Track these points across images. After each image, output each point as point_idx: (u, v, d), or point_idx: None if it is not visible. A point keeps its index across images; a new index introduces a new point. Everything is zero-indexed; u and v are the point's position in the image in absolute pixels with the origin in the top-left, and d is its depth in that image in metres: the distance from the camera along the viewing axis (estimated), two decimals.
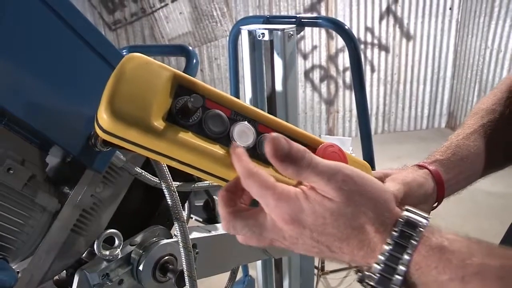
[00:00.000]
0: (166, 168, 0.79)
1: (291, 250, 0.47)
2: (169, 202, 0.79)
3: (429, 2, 5.09)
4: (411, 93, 5.49)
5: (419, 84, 5.45)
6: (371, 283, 0.42)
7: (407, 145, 5.03)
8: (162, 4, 4.74)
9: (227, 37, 1.88)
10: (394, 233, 0.42)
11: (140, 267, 0.79)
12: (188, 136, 0.45)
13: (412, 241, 0.41)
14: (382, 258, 0.41)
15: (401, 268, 0.40)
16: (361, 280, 0.44)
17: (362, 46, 5.18)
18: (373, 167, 0.90)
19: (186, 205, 0.97)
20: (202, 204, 1.07)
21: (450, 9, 5.13)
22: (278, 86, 1.48)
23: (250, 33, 1.46)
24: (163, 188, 0.79)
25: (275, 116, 0.51)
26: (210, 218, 1.07)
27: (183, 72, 0.48)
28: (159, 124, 0.43)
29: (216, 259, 0.95)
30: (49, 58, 0.64)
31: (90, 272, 0.74)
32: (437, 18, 5.16)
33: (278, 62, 1.44)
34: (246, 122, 0.48)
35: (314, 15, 4.93)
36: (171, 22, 4.82)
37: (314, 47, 5.15)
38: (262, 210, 0.45)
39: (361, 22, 5.13)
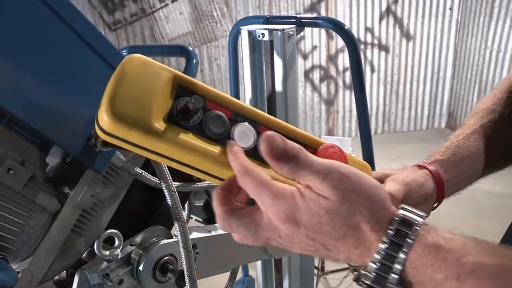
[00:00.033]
0: (166, 168, 0.79)
1: (287, 248, 0.47)
2: (169, 202, 0.79)
3: (429, 2, 5.09)
4: (411, 93, 5.49)
5: (419, 84, 5.45)
6: (367, 282, 0.42)
7: (407, 145, 5.03)
8: (162, 4, 4.74)
9: (227, 37, 1.88)
10: (389, 231, 0.42)
11: (140, 267, 0.79)
12: (188, 137, 0.45)
13: (408, 240, 0.41)
14: (378, 256, 0.41)
15: (397, 266, 0.40)
16: (357, 279, 0.45)
17: (362, 46, 5.19)
18: (373, 167, 0.90)
19: (186, 205, 0.97)
20: (202, 204, 1.07)
21: (450, 9, 5.13)
22: (278, 86, 1.48)
23: (250, 33, 1.46)
24: (163, 188, 0.79)
25: (275, 116, 0.51)
26: (210, 218, 1.07)
27: (183, 72, 0.48)
28: (159, 125, 0.43)
29: (216, 259, 0.95)
30: (49, 58, 0.64)
31: (90, 272, 0.74)
32: (437, 18, 5.16)
33: (278, 62, 1.44)
34: (246, 123, 0.48)
35: (314, 15, 4.93)
36: (171, 22, 4.82)
37: (314, 47, 5.15)
38: (258, 209, 0.45)
39: (361, 22, 5.13)
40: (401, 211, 0.43)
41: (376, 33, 5.20)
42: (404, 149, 4.88)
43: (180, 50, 1.14)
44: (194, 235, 0.89)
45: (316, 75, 5.28)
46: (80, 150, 0.68)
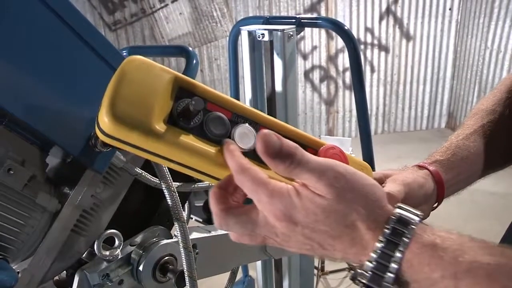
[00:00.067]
0: (166, 168, 0.79)
1: (284, 247, 0.47)
2: (169, 203, 0.80)
3: (429, 3, 5.09)
4: (411, 93, 5.49)
5: (419, 85, 5.45)
6: (364, 281, 0.42)
7: (407, 146, 5.03)
8: (162, 5, 4.74)
9: (227, 38, 1.88)
10: (386, 230, 0.41)
11: (140, 267, 0.79)
12: (189, 139, 0.45)
13: (404, 239, 0.41)
14: (374, 255, 0.41)
15: (393, 265, 0.40)
16: (353, 278, 0.45)
17: (362, 47, 5.19)
18: (373, 168, 0.90)
19: (186, 205, 0.97)
20: (202, 204, 1.07)
21: (450, 9, 5.13)
22: (278, 87, 1.48)
23: (250, 33, 1.46)
24: (163, 188, 0.79)
25: (275, 116, 0.51)
26: (210, 218, 1.07)
27: (183, 72, 0.48)
28: (160, 127, 0.43)
29: (216, 259, 0.96)
30: (49, 59, 0.64)
31: (90, 273, 0.74)
32: (437, 19, 5.16)
33: (278, 63, 1.44)
34: (247, 124, 0.48)
35: (314, 15, 4.93)
36: (171, 23, 4.82)
37: (314, 48, 5.15)
38: (254, 207, 0.45)
39: (361, 23, 5.13)
40: (398, 210, 0.43)
41: (376, 33, 5.20)
42: (404, 149, 4.88)
43: (180, 51, 1.14)
44: (194, 235, 0.90)
45: (316, 75, 5.28)
46: (80, 150, 0.68)
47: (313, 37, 5.10)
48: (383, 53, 5.29)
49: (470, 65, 5.04)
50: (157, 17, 4.77)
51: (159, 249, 0.81)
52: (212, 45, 4.97)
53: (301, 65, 5.14)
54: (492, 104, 0.78)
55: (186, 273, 0.79)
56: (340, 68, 5.28)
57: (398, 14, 5.14)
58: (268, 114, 0.52)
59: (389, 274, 0.41)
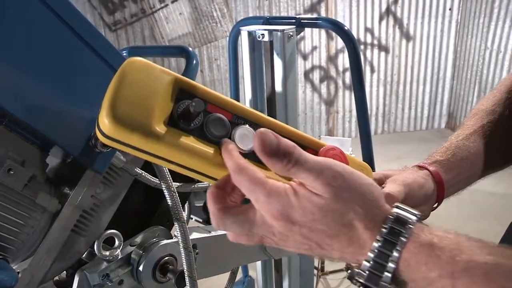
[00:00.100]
0: (166, 169, 0.79)
1: (281, 247, 0.47)
2: (169, 203, 0.80)
3: (428, 3, 5.09)
4: (411, 93, 5.49)
5: (419, 85, 5.45)
6: (361, 280, 0.42)
7: (407, 146, 5.04)
8: (162, 5, 4.74)
9: (227, 38, 1.88)
10: (383, 229, 0.41)
11: (140, 268, 0.79)
12: (189, 141, 0.45)
13: (402, 238, 0.41)
14: (371, 255, 0.41)
15: (391, 265, 0.40)
16: (351, 278, 0.45)
17: (362, 47, 5.19)
18: (372, 168, 0.90)
19: (186, 205, 0.97)
20: (202, 204, 1.07)
21: (450, 9, 5.13)
22: (278, 87, 1.48)
23: (250, 34, 1.46)
24: (163, 188, 0.79)
25: (275, 116, 0.51)
26: (210, 218, 1.07)
27: (183, 73, 0.48)
28: (160, 128, 0.43)
29: (216, 260, 0.96)
30: (49, 59, 0.64)
31: (90, 273, 0.74)
32: (437, 19, 5.16)
33: (277, 63, 1.44)
34: (247, 126, 0.48)
35: (314, 16, 4.93)
36: (171, 23, 4.82)
37: (314, 48, 5.15)
38: (252, 207, 0.45)
39: (361, 23, 5.14)
40: (395, 210, 0.43)
41: (376, 33, 5.20)
42: (404, 150, 4.88)
43: (180, 51, 1.14)
44: (194, 235, 0.90)
45: (316, 76, 5.28)
46: (80, 151, 0.68)
47: (313, 37, 5.10)
48: (383, 53, 5.30)
49: (470, 65, 5.04)
50: (157, 17, 4.77)
51: (159, 249, 0.81)
52: (212, 45, 4.97)
53: (301, 65, 5.14)
54: (492, 105, 0.78)
55: (186, 273, 0.79)
56: (340, 68, 5.28)
57: (398, 14, 5.14)
58: (268, 114, 0.52)
59: (386, 273, 0.41)
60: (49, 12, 0.62)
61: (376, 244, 0.41)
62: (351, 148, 2.57)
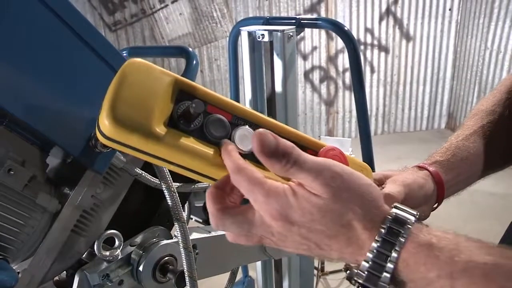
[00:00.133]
0: (167, 169, 0.79)
1: (280, 247, 0.47)
2: (169, 203, 0.80)
3: (428, 3, 5.09)
4: (411, 94, 5.49)
5: (418, 85, 5.45)
6: (360, 281, 0.42)
7: (407, 146, 5.04)
8: (162, 5, 4.74)
9: (227, 38, 1.88)
10: (382, 230, 0.42)
11: (140, 268, 0.79)
12: (189, 141, 0.45)
13: (400, 238, 0.41)
14: (370, 255, 0.41)
15: (389, 265, 0.41)
16: (349, 278, 0.45)
17: (362, 47, 5.19)
18: (372, 168, 0.90)
19: (186, 206, 0.98)
20: (202, 205, 1.07)
21: (449, 10, 5.14)
22: (278, 87, 1.48)
23: (250, 34, 1.46)
24: (163, 189, 0.79)
25: (275, 117, 0.52)
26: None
27: (183, 73, 0.48)
28: (160, 129, 0.44)
29: (216, 260, 0.96)
30: (49, 59, 0.64)
31: (90, 273, 0.74)
32: (437, 19, 5.16)
33: (277, 63, 1.44)
34: (247, 127, 0.48)
35: (314, 16, 4.93)
36: (171, 23, 4.82)
37: (314, 48, 5.15)
38: (251, 207, 0.45)
39: (361, 23, 5.14)
40: (394, 210, 0.43)
41: (376, 33, 5.20)
42: (404, 150, 4.88)
43: (180, 51, 1.14)
44: (194, 235, 0.90)
45: (316, 76, 5.28)
46: (80, 151, 0.68)
47: (313, 37, 5.11)
48: (383, 54, 5.30)
49: (470, 65, 5.04)
50: (157, 17, 4.77)
51: (159, 249, 0.81)
52: (212, 45, 4.97)
53: (301, 65, 5.14)
54: (492, 105, 0.78)
55: (186, 273, 0.79)
56: (340, 69, 5.28)
57: (398, 14, 5.14)
58: (268, 114, 0.52)
59: (385, 273, 0.41)
60: (49, 12, 0.62)
61: (375, 245, 0.41)
62: (351, 148, 2.57)
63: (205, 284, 0.98)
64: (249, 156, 0.47)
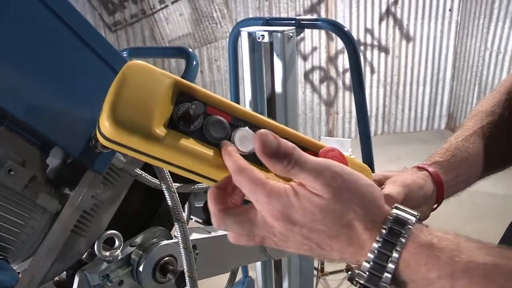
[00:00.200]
0: (167, 170, 0.79)
1: (282, 247, 0.47)
2: (169, 203, 0.80)
3: (428, 4, 5.10)
4: (410, 94, 5.49)
5: (418, 86, 5.46)
6: (361, 281, 0.42)
7: (406, 147, 5.04)
8: (162, 6, 4.74)
9: (227, 39, 1.88)
10: (383, 230, 0.42)
11: (140, 268, 0.79)
12: (189, 143, 0.45)
13: (401, 239, 0.41)
14: (371, 256, 0.41)
15: (390, 265, 0.41)
16: (351, 279, 0.45)
17: (362, 48, 5.19)
18: (372, 169, 0.90)
19: (186, 206, 0.98)
20: (202, 205, 1.07)
21: (449, 10, 5.14)
22: (278, 88, 1.48)
23: (250, 35, 1.47)
24: (164, 189, 0.79)
25: (275, 117, 0.52)
26: (210, 219, 1.07)
27: (183, 74, 0.48)
28: (160, 131, 0.44)
29: (216, 260, 0.96)
30: (49, 59, 0.64)
31: (90, 273, 0.74)
32: (437, 20, 5.17)
33: (277, 64, 1.44)
34: (247, 128, 0.49)
35: (314, 17, 4.94)
36: (171, 24, 4.82)
37: (314, 49, 5.15)
38: (252, 207, 0.45)
39: (361, 24, 5.14)
40: (395, 210, 0.43)
41: (376, 34, 5.21)
42: (404, 151, 4.88)
43: (180, 52, 1.14)
44: (194, 236, 0.90)
45: (316, 76, 5.29)
46: (81, 151, 0.68)
47: (313, 38, 5.11)
48: (383, 54, 5.30)
49: (470, 66, 5.04)
50: (157, 18, 4.78)
51: (159, 249, 0.81)
52: (212, 46, 4.97)
53: (301, 66, 5.14)
54: (492, 106, 0.78)
55: (186, 273, 0.79)
56: (340, 69, 5.28)
57: (398, 15, 5.14)
58: (268, 115, 0.52)
59: (386, 274, 0.41)
60: (49, 13, 0.62)
61: (375, 245, 0.41)
62: (351, 149, 2.57)
63: (205, 285, 0.98)
64: (248, 157, 0.47)
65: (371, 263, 0.41)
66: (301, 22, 1.48)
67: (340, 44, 5.04)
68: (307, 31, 5.00)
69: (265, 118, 0.51)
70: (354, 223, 0.42)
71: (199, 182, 0.90)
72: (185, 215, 0.88)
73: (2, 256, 0.66)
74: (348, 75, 5.22)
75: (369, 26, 5.16)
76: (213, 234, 0.93)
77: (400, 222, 0.42)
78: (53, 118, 0.65)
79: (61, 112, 0.66)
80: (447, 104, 5.55)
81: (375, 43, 5.24)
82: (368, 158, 1.51)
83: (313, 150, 0.51)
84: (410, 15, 5.14)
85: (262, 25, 1.54)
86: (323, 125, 5.50)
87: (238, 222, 0.46)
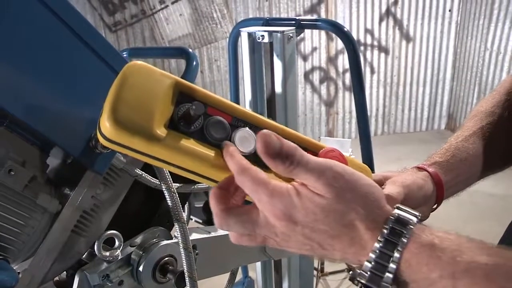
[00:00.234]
0: (166, 170, 0.79)
1: (284, 247, 0.47)
2: (169, 204, 0.80)
3: (428, 4, 5.10)
4: (410, 94, 5.49)
5: (418, 86, 5.46)
6: (363, 281, 0.42)
7: (406, 147, 5.04)
8: (162, 6, 4.74)
9: (227, 39, 1.89)
10: (384, 230, 0.42)
11: (140, 268, 0.79)
12: (190, 143, 0.45)
13: (403, 239, 0.41)
14: (373, 255, 0.42)
15: (392, 265, 0.41)
16: (352, 278, 0.45)
17: (362, 48, 5.19)
18: (372, 169, 0.90)
19: (186, 206, 0.98)
20: (202, 205, 1.07)
21: (449, 11, 5.14)
22: (278, 88, 1.48)
23: (250, 35, 1.47)
24: (163, 189, 0.79)
25: (275, 117, 0.52)
26: (210, 219, 1.07)
27: (183, 74, 0.49)
28: (161, 131, 0.44)
29: (216, 260, 0.96)
30: (49, 60, 0.64)
31: (90, 273, 0.74)
32: (437, 20, 5.17)
33: (277, 64, 1.44)
34: (247, 128, 0.49)
35: (314, 17, 4.94)
36: (171, 24, 4.82)
37: (314, 49, 5.15)
38: (255, 207, 0.45)
39: (361, 24, 5.14)
40: (396, 211, 0.44)
41: (376, 34, 5.21)
42: (403, 151, 4.89)
43: (180, 52, 1.14)
44: (194, 236, 0.90)
45: (316, 77, 5.29)
46: (81, 152, 0.68)
47: (313, 38, 5.11)
48: (383, 55, 5.30)
49: (470, 66, 5.04)
50: (157, 18, 4.78)
51: (159, 249, 0.81)
52: (212, 46, 4.97)
53: (301, 66, 5.14)
54: (491, 106, 0.78)
55: (186, 273, 0.79)
56: (340, 69, 5.28)
57: (398, 15, 5.14)
58: (268, 115, 0.52)
59: (387, 274, 0.41)
60: (49, 13, 0.62)
61: (377, 245, 0.41)
62: (351, 149, 2.57)
63: (205, 285, 0.98)
64: (249, 157, 0.47)
65: (372, 263, 0.42)
66: (301, 22, 1.48)
67: (340, 44, 5.03)
68: (307, 32, 5.00)
69: (265, 118, 0.52)
70: (356, 223, 0.43)
71: (199, 182, 0.90)
72: (185, 215, 0.88)
73: (2, 256, 0.66)
74: (348, 76, 5.22)
75: (369, 26, 5.16)
76: (213, 234, 0.93)
77: (402, 222, 0.42)
78: (53, 118, 0.65)
79: (61, 112, 0.66)
80: (447, 104, 5.56)
81: (375, 43, 5.24)
82: (368, 159, 1.51)
83: (313, 150, 0.51)
84: (410, 15, 5.14)
85: (262, 25, 1.54)
86: (323, 126, 5.50)
87: (240, 222, 0.46)
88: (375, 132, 5.54)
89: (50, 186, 0.70)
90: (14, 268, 0.69)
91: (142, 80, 0.45)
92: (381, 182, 0.63)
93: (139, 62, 0.47)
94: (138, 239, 0.82)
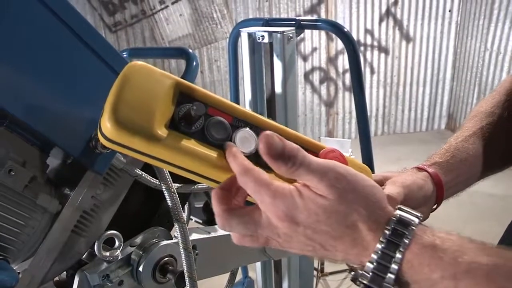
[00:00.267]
0: (166, 170, 0.79)
1: (286, 248, 0.47)
2: (169, 204, 0.80)
3: (428, 4, 5.10)
4: (410, 95, 5.49)
5: (418, 86, 5.46)
6: (364, 282, 0.42)
7: (406, 147, 5.04)
8: (162, 6, 4.74)
9: (227, 39, 1.89)
10: (386, 231, 0.42)
11: (140, 268, 0.79)
12: (191, 144, 0.45)
13: (405, 240, 0.41)
14: (375, 256, 0.42)
15: (394, 266, 0.41)
16: (354, 279, 0.45)
17: (362, 48, 5.19)
18: (372, 169, 0.90)
19: (186, 206, 0.98)
20: (202, 205, 1.07)
21: (449, 11, 5.14)
22: (278, 88, 1.48)
23: (250, 35, 1.47)
24: (163, 189, 0.79)
25: (275, 117, 0.52)
26: (210, 219, 1.07)
27: (183, 74, 0.49)
28: (162, 132, 0.44)
29: (215, 260, 0.96)
30: (49, 60, 0.64)
31: (90, 273, 0.74)
32: (437, 20, 5.17)
33: (277, 65, 1.44)
34: (247, 129, 0.49)
35: (314, 17, 4.94)
36: (171, 24, 4.82)
37: (314, 49, 5.16)
38: (257, 208, 0.45)
39: (361, 24, 5.14)
40: (398, 211, 0.44)
41: (376, 35, 5.21)
42: (403, 151, 4.89)
43: (180, 52, 1.14)
44: (194, 236, 0.90)
45: (316, 77, 5.29)
46: (81, 152, 0.68)
47: (313, 38, 5.11)
48: (383, 55, 5.30)
49: (470, 66, 5.04)
50: (157, 18, 4.78)
51: (159, 250, 0.81)
52: (212, 46, 4.97)
53: (301, 66, 5.14)
54: (491, 107, 0.78)
55: (186, 273, 0.79)
56: (340, 70, 5.28)
57: (398, 15, 5.15)
58: (268, 115, 0.52)
59: (389, 274, 0.41)
60: (49, 13, 0.62)
61: (379, 246, 0.42)
62: (351, 149, 2.57)
63: (205, 285, 0.98)
64: (250, 158, 0.47)
65: (374, 263, 0.42)
66: (301, 22, 1.48)
67: (340, 44, 5.03)
68: (307, 32, 5.00)
69: (265, 118, 0.52)
70: (358, 224, 0.43)
71: (199, 183, 0.90)
72: (185, 215, 0.88)
73: (2, 256, 0.66)
74: (348, 76, 5.22)
75: (369, 26, 5.16)
76: (213, 234, 0.93)
77: (404, 223, 0.42)
78: (53, 119, 0.65)
79: (61, 113, 0.66)
80: (447, 104, 5.56)
81: (375, 43, 5.24)
82: (368, 159, 1.51)
83: (313, 150, 0.51)
84: (410, 15, 5.14)
85: (262, 25, 1.54)
86: (323, 126, 5.50)
87: (243, 223, 0.46)
88: (375, 132, 5.54)
89: (50, 186, 0.70)
90: (14, 268, 0.69)
91: (142, 80, 0.46)
92: (381, 183, 0.63)
93: (140, 62, 0.47)
94: (138, 239, 0.82)
